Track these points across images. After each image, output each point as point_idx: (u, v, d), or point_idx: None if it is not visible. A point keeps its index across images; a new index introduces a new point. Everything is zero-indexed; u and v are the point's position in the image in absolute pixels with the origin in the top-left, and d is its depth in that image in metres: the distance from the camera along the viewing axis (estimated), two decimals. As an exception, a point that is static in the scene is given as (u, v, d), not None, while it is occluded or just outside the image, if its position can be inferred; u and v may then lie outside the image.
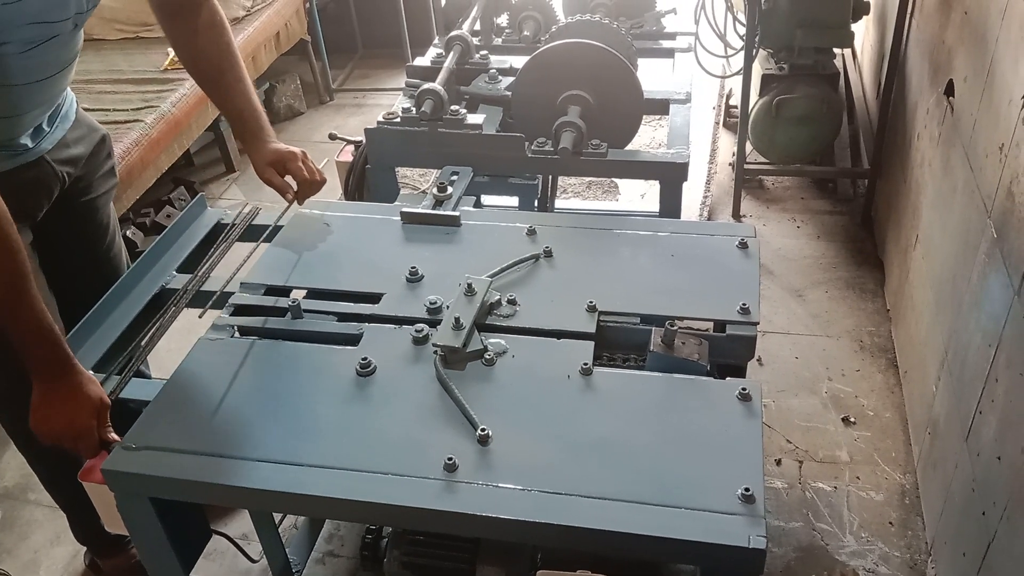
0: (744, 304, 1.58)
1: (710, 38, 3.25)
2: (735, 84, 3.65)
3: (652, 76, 2.49)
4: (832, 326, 2.96)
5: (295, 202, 1.90)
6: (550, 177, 2.52)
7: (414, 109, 2.21)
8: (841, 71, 3.49)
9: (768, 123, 3.31)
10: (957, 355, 2.07)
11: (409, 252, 1.79)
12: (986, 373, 1.81)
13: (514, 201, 2.42)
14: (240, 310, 1.68)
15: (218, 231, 1.93)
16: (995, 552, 1.68)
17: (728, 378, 1.48)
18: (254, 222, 1.94)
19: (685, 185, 2.17)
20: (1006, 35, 1.91)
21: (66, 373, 1.43)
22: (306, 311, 1.65)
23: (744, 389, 1.40)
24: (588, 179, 3.73)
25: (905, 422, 2.57)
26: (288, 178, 1.88)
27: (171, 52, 3.75)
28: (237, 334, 1.63)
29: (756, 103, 3.32)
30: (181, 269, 1.84)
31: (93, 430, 1.43)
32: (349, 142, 2.43)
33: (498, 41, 2.75)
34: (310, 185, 1.88)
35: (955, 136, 2.24)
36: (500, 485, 1.27)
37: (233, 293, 1.71)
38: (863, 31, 3.77)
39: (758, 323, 1.57)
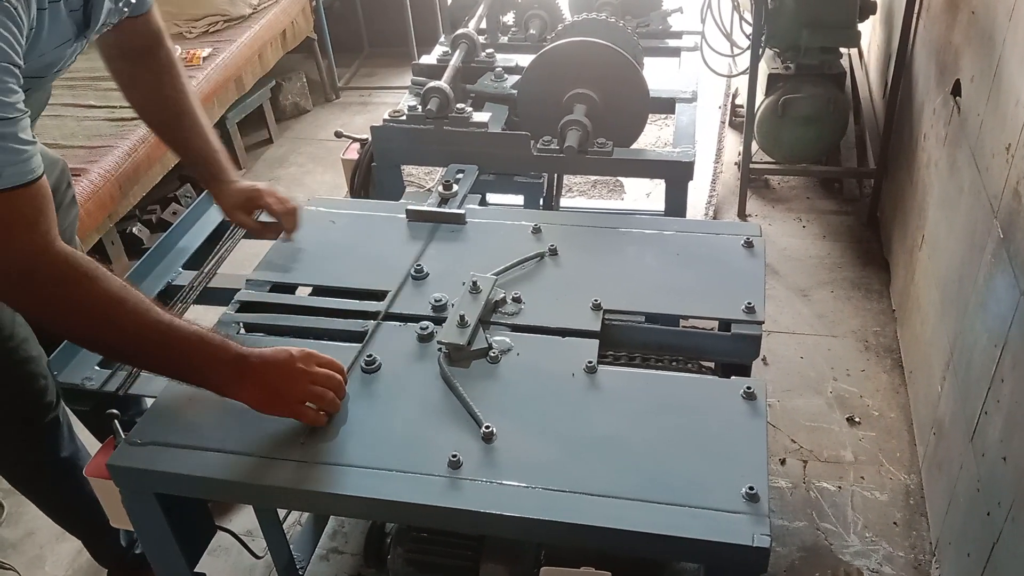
0: (749, 303, 1.58)
1: (716, 37, 3.24)
2: (741, 83, 3.65)
3: (658, 75, 2.49)
4: (837, 326, 2.96)
5: (279, 236, 1.80)
6: (555, 175, 2.53)
7: (420, 107, 2.21)
8: (847, 71, 3.48)
9: (774, 122, 3.31)
10: (963, 355, 2.06)
11: (414, 250, 1.80)
12: (992, 373, 1.81)
13: (519, 199, 2.42)
14: (245, 306, 1.68)
15: (224, 228, 1.93)
16: (1000, 553, 1.68)
17: (733, 377, 1.48)
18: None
19: (691, 184, 2.17)
20: (1013, 35, 1.90)
21: (243, 358, 1.37)
22: (311, 308, 1.66)
23: (749, 388, 1.40)
24: (593, 178, 3.73)
25: (910, 422, 2.57)
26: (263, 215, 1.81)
27: (178, 49, 3.75)
28: (243, 330, 1.63)
29: (762, 102, 3.31)
30: (187, 266, 1.85)
31: (311, 379, 1.37)
32: (355, 140, 2.43)
33: (504, 39, 2.76)
34: (286, 215, 1.78)
35: (962, 136, 2.23)
36: (504, 482, 1.28)
37: (239, 290, 1.72)
38: (870, 31, 3.76)
39: (763, 322, 1.57)
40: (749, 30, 3.16)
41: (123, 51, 1.71)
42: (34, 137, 1.25)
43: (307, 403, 1.38)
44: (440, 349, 1.50)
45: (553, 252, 1.75)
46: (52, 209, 1.27)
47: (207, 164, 1.77)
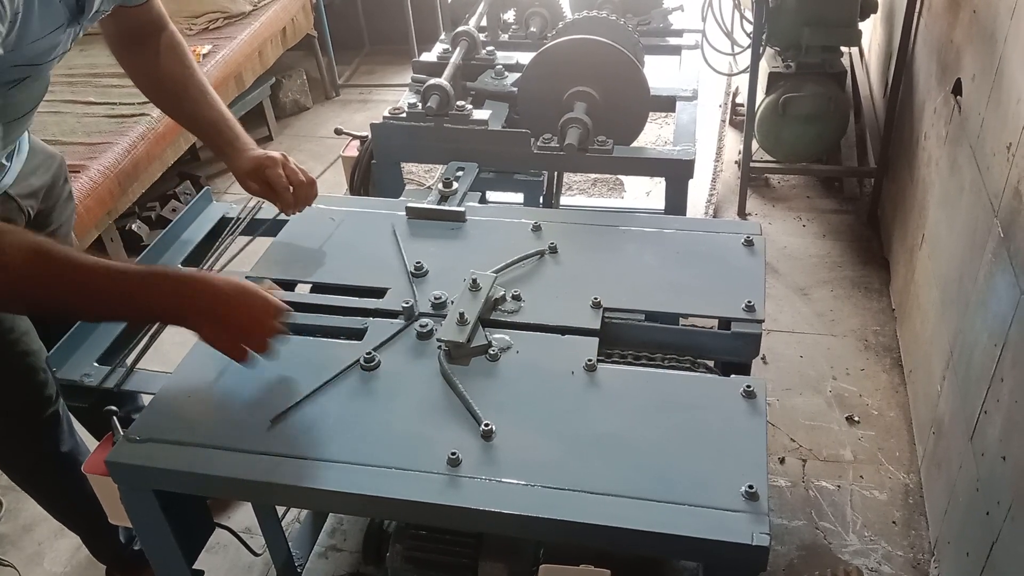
0: (749, 302, 1.57)
1: (717, 35, 3.24)
2: (742, 82, 3.65)
3: (659, 73, 2.49)
4: (837, 325, 2.96)
5: (287, 211, 1.77)
6: (555, 173, 2.52)
7: (420, 104, 2.21)
8: (848, 69, 3.48)
9: (774, 121, 3.31)
10: (962, 355, 2.06)
11: (414, 247, 1.79)
12: (991, 373, 1.81)
13: (519, 197, 2.41)
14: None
15: (223, 225, 1.93)
16: (999, 552, 1.68)
17: (733, 375, 1.48)
18: (258, 216, 1.94)
19: (691, 183, 2.17)
20: (1015, 34, 1.90)
21: (217, 290, 1.35)
22: (311, 305, 1.66)
23: (749, 386, 1.40)
24: (594, 176, 3.73)
25: (909, 421, 2.57)
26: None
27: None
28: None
29: (763, 101, 3.31)
30: (186, 263, 1.84)
31: (273, 330, 1.37)
32: (355, 137, 2.43)
33: (504, 37, 2.75)
34: (298, 189, 1.73)
35: (962, 135, 2.23)
36: (503, 480, 1.27)
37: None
38: (871, 29, 3.76)
39: (763, 321, 1.56)
40: (750, 28, 3.16)
41: (126, 41, 1.72)
42: None
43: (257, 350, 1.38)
44: (440, 347, 1.50)
45: (553, 250, 1.75)
46: None
47: (219, 133, 1.74)
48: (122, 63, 1.77)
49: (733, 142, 3.91)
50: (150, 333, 1.62)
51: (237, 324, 1.37)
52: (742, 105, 3.68)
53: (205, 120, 1.75)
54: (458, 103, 2.21)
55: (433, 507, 1.26)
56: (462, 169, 2.08)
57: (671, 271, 1.70)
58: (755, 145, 3.42)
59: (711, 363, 1.63)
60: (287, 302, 1.64)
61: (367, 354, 1.49)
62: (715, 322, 1.65)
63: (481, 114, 2.21)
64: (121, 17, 1.68)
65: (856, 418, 2.60)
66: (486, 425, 1.34)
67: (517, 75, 2.36)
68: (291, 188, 1.72)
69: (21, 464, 1.97)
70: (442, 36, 2.76)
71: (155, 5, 1.72)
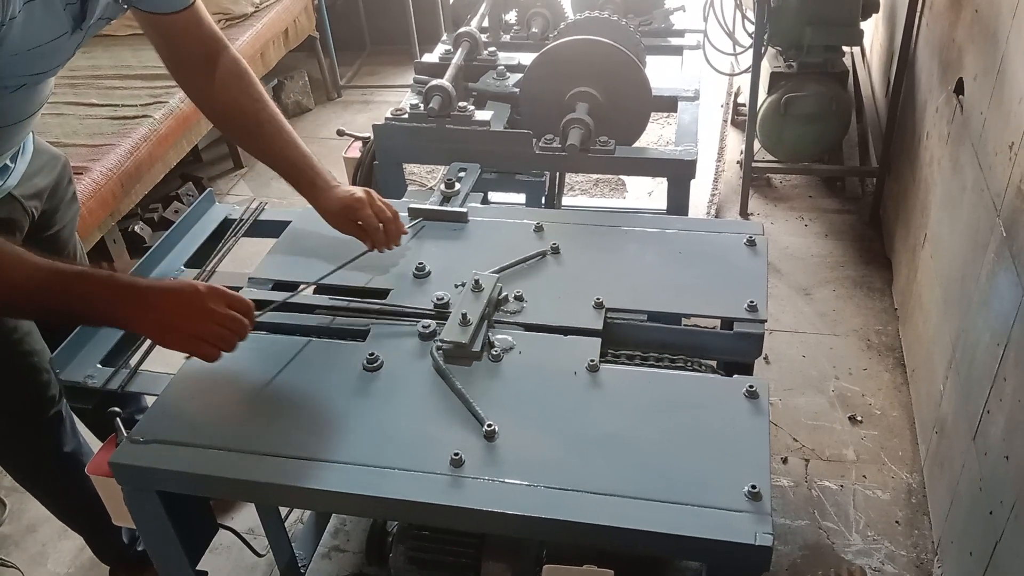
0: (752, 302, 1.57)
1: (719, 35, 3.24)
2: (743, 82, 3.65)
3: (660, 73, 2.49)
4: (839, 325, 2.95)
5: (379, 249, 1.71)
6: (557, 174, 2.53)
7: (422, 105, 2.21)
8: (850, 69, 3.48)
9: (776, 121, 3.31)
10: (965, 354, 2.06)
11: (416, 248, 1.79)
12: (994, 372, 1.81)
13: (521, 198, 2.41)
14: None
15: (226, 226, 1.93)
16: (1002, 551, 1.68)
17: (735, 375, 1.48)
18: (260, 217, 1.94)
19: (693, 183, 2.17)
20: (1017, 33, 1.90)
21: (140, 288, 1.37)
22: (313, 306, 1.66)
23: (751, 386, 1.40)
24: (595, 176, 3.73)
25: (912, 421, 2.56)
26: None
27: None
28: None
29: (764, 101, 3.31)
30: (189, 264, 1.84)
31: (216, 320, 1.36)
32: (357, 138, 2.43)
33: (506, 38, 2.75)
34: (387, 225, 1.68)
35: (965, 135, 2.23)
36: (506, 480, 1.28)
37: (240, 288, 1.71)
38: (872, 29, 3.76)
39: (765, 321, 1.56)
40: (751, 28, 3.15)
41: (182, 61, 1.68)
42: None
43: (205, 339, 1.37)
44: (439, 347, 1.49)
45: (555, 251, 1.75)
46: None
47: (300, 172, 1.71)
48: (184, 89, 1.73)
49: (735, 142, 3.91)
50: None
51: (177, 322, 1.36)
52: (744, 105, 3.68)
53: (284, 159, 1.71)
54: (460, 104, 2.21)
55: (436, 507, 1.26)
56: (464, 170, 2.09)
57: (673, 271, 1.70)
58: (757, 145, 3.41)
59: (713, 363, 1.63)
60: (290, 303, 1.65)
61: (370, 355, 1.49)
62: (717, 322, 1.65)
63: (483, 115, 2.21)
64: (167, 34, 1.64)
65: (859, 418, 2.60)
66: (489, 426, 1.34)
67: (519, 76, 2.37)
68: (381, 225, 1.68)
69: (24, 465, 1.98)
70: (444, 37, 2.76)
71: (201, 19, 1.65)
